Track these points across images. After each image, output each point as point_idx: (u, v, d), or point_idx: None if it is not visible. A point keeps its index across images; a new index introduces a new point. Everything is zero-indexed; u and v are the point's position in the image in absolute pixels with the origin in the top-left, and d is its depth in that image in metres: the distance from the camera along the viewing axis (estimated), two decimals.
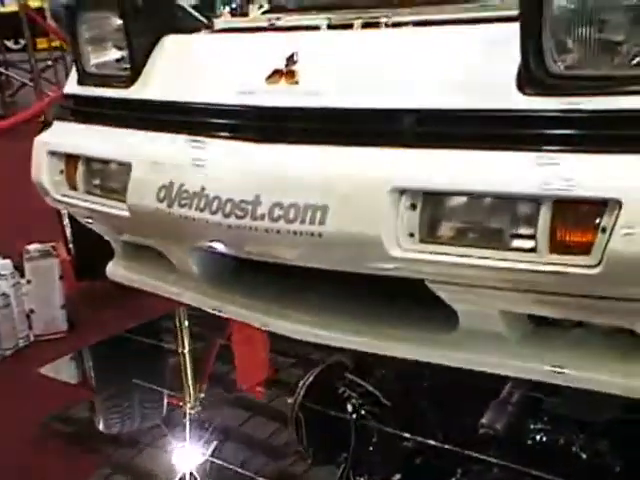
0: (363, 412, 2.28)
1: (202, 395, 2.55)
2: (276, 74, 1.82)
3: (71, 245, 3.25)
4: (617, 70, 1.49)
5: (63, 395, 2.59)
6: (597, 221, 1.42)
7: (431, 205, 1.58)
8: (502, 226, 1.53)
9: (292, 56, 1.82)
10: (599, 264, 1.41)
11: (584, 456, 2.07)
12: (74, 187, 2.21)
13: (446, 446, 2.12)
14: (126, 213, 2.02)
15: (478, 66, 1.62)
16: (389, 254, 1.59)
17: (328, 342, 1.88)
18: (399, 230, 1.59)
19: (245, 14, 2.29)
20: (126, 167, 2.01)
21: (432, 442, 2.14)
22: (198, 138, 1.91)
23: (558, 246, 1.47)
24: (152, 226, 1.98)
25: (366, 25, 1.88)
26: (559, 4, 1.52)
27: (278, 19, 2.11)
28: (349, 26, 1.90)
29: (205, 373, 2.73)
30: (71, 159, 2.19)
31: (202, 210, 1.80)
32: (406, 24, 1.87)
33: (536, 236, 1.48)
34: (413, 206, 1.59)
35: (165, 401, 2.53)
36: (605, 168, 1.43)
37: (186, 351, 2.79)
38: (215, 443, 2.27)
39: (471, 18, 1.78)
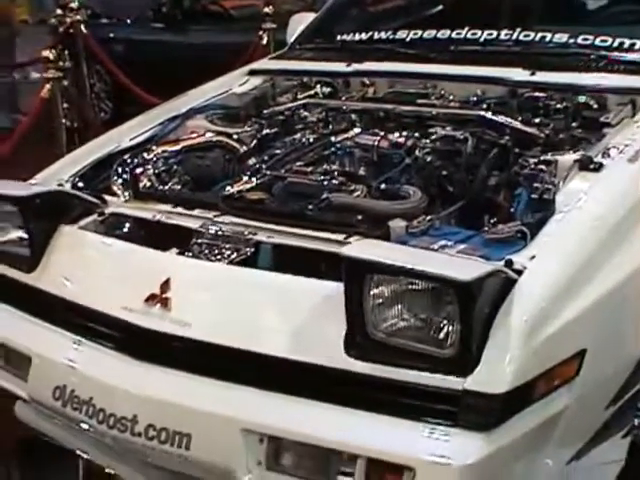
0: None
1: None
2: (152, 298, 2.17)
3: None
4: (428, 346, 1.87)
5: None
6: (402, 474, 1.83)
7: (275, 440, 1.97)
8: (329, 463, 1.92)
9: (167, 282, 2.17)
10: None
11: None
12: None
13: None
14: (26, 396, 2.37)
15: (317, 322, 1.99)
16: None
17: None
18: (249, 459, 1.98)
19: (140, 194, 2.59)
20: (27, 357, 2.35)
21: None
22: (90, 344, 2.25)
23: None
24: (51, 412, 2.33)
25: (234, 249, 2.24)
26: (376, 284, 1.90)
27: (162, 214, 2.45)
28: (216, 247, 2.25)
29: None
30: None
31: (91, 417, 2.16)
32: (265, 244, 2.23)
33: (354, 477, 1.88)
34: (261, 440, 1.98)
35: None
36: (404, 437, 1.83)
37: None
38: None
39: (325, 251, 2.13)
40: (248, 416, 1.98)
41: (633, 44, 2.81)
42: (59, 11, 6.09)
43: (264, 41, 5.78)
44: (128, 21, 7.44)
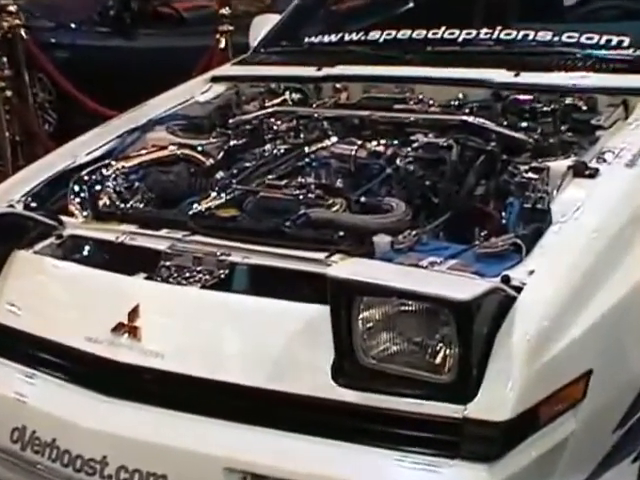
0: None
1: None
2: (120, 327, 2.12)
3: None
4: (424, 372, 1.84)
5: None
6: None
7: (260, 479, 1.93)
8: None
9: (135, 309, 2.12)
10: None
11: None
12: None
13: None
14: None
15: (301, 349, 1.95)
16: None
17: None
18: None
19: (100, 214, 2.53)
20: None
21: None
22: (51, 380, 2.20)
23: None
24: (7, 457, 2.26)
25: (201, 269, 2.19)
26: (366, 307, 1.87)
27: (125, 235, 2.39)
28: (187, 270, 2.20)
29: None
30: None
31: (54, 461, 2.10)
32: (241, 265, 2.19)
33: None
34: (244, 479, 1.94)
35: None
36: (401, 470, 1.80)
37: None
38: None
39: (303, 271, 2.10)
40: (229, 453, 1.93)
41: (621, 41, 2.81)
42: None
43: (222, 44, 5.73)
44: (72, 25, 7.33)
